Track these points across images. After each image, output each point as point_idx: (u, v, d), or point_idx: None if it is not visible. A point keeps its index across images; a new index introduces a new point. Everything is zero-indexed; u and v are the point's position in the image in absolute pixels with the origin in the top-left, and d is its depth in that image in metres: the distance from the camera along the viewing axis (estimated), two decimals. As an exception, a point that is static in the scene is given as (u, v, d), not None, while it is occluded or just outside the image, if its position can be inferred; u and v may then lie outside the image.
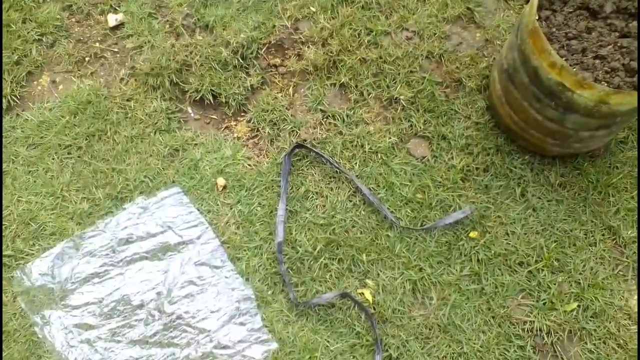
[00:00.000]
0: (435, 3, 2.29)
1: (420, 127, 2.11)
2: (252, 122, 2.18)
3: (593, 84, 1.59)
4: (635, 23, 1.81)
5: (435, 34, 2.24)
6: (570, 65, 1.74)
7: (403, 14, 2.27)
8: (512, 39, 1.86)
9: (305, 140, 2.10)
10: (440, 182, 2.03)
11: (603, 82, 1.71)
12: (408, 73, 2.18)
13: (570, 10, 1.86)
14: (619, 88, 1.69)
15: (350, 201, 2.02)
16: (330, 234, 1.95)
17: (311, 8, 2.31)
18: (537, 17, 1.70)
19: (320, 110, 2.16)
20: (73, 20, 2.37)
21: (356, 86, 2.18)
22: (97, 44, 2.32)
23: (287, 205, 1.99)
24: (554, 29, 1.82)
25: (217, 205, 2.02)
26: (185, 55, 2.23)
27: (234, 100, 2.19)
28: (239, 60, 2.23)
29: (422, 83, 2.17)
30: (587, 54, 1.77)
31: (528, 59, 1.74)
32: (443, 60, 2.21)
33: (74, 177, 2.06)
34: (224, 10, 2.32)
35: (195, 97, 2.20)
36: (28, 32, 2.29)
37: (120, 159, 2.10)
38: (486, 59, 2.21)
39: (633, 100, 1.62)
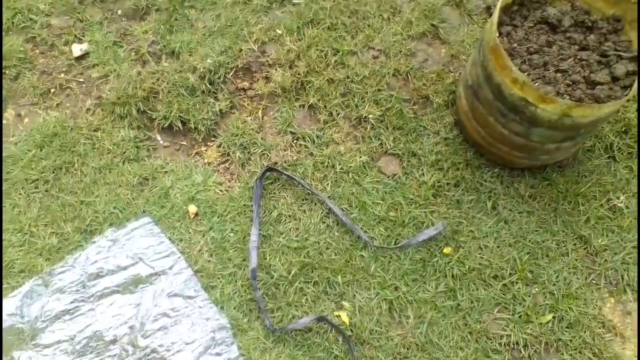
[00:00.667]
0: (400, 21, 2.31)
1: (390, 145, 2.12)
2: (222, 146, 2.17)
3: (555, 98, 1.61)
4: (593, 36, 1.84)
5: (401, 51, 2.26)
6: (533, 80, 1.76)
7: (368, 33, 2.29)
8: (475, 55, 1.88)
9: (276, 164, 2.10)
10: (412, 199, 2.03)
11: (565, 96, 1.73)
12: (376, 92, 2.19)
13: (531, 24, 1.89)
14: (580, 101, 1.71)
15: (324, 222, 2.01)
16: (304, 257, 1.93)
17: (277, 30, 2.31)
18: (497, 34, 1.72)
19: (290, 132, 2.16)
20: (37, 51, 2.34)
21: (325, 107, 2.19)
22: (62, 75, 2.29)
23: (260, 230, 1.98)
24: (515, 45, 1.84)
25: (189, 233, 2.00)
26: (152, 83, 2.21)
27: (203, 125, 2.18)
28: (206, 85, 2.22)
29: (390, 101, 2.18)
30: (548, 68, 1.79)
31: (491, 75, 1.75)
32: (410, 78, 2.23)
33: (42, 212, 2.03)
34: (190, 36, 2.32)
35: (164, 125, 2.19)
36: (-10, 66, 2.26)
37: (88, 191, 2.07)
38: (452, 74, 2.23)
39: (594, 112, 1.64)
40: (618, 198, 2.04)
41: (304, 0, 2.36)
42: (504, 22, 1.90)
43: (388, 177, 2.09)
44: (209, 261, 1.95)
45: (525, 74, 1.77)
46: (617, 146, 2.13)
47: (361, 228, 1.98)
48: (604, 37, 1.84)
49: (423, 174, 2.08)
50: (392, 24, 2.31)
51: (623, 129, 2.16)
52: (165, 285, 1.88)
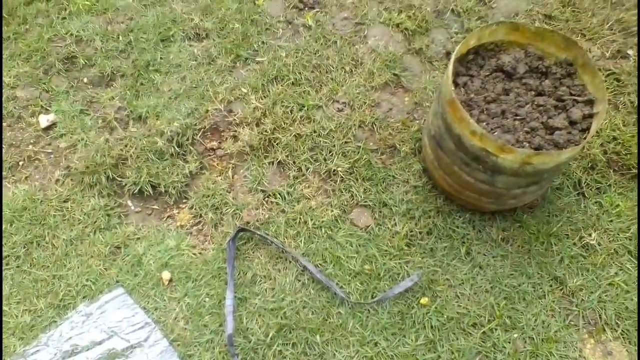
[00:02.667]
0: (362, 73, 2.34)
1: (361, 197, 2.12)
2: (194, 208, 2.17)
3: (513, 148, 1.63)
4: (548, 81, 1.88)
5: (365, 102, 2.29)
6: (492, 129, 1.78)
7: (332, 87, 2.32)
8: (435, 106, 1.91)
9: (248, 223, 2.09)
10: (386, 251, 2.03)
11: (525, 143, 1.75)
12: (343, 144, 2.21)
13: (487, 73, 1.92)
14: (539, 148, 1.74)
15: (299, 281, 2.00)
16: (281, 319, 1.91)
17: (242, 89, 2.34)
18: (453, 87, 1.75)
19: (261, 190, 2.16)
20: (4, 124, 2.34)
21: (294, 162, 2.20)
22: (30, 147, 2.29)
23: (235, 293, 1.96)
24: (472, 95, 1.87)
25: (164, 300, 1.98)
26: (120, 149, 2.22)
27: (174, 188, 2.18)
28: (175, 148, 2.23)
29: (358, 152, 2.19)
30: (506, 116, 1.82)
31: (451, 127, 1.77)
32: (375, 128, 2.25)
33: (14, 289, 2.00)
34: (156, 100, 2.33)
35: (134, 190, 2.18)
36: (-43, 143, 2.25)
37: (60, 264, 2.05)
38: (417, 121, 2.26)
39: (554, 159, 1.66)
40: (590, 235, 2.05)
41: (267, 58, 2.39)
42: (460, 72, 1.94)
43: (361, 229, 2.09)
44: (185, 329, 1.92)
45: (484, 123, 1.80)
46: (585, 182, 2.16)
47: (337, 284, 1.97)
48: (559, 81, 1.88)
49: (395, 224, 2.08)
50: (355, 76, 2.35)
51: (590, 165, 2.18)
52: (141, 358, 1.85)
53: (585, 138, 1.74)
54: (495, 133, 1.77)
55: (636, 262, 2.00)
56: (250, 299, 1.97)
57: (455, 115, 1.73)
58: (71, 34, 2.52)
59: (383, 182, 2.15)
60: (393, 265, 2.01)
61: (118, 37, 2.51)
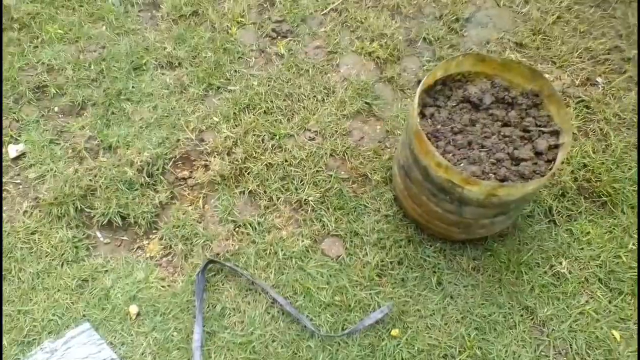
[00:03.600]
0: (334, 102, 2.35)
1: (332, 226, 2.11)
2: (164, 239, 2.14)
3: (478, 180, 1.63)
4: (514, 112, 1.89)
5: (336, 131, 2.29)
6: (458, 161, 1.78)
7: (304, 115, 2.32)
8: (404, 136, 1.91)
9: (218, 254, 2.07)
10: (357, 281, 2.01)
11: (490, 174, 1.75)
12: (314, 173, 2.20)
13: (454, 104, 1.93)
14: (505, 179, 1.74)
15: (269, 313, 1.97)
16: (250, 353, 1.88)
17: (214, 118, 2.33)
18: (419, 119, 1.75)
19: (232, 220, 2.14)
20: (-28, 155, 2.32)
21: (265, 192, 2.18)
22: (-2, 177, 2.26)
23: (204, 326, 1.93)
24: (439, 126, 1.87)
25: (131, 335, 1.94)
26: (89, 180, 2.19)
27: (144, 219, 2.15)
28: (145, 178, 2.21)
29: (329, 182, 2.18)
30: (473, 147, 1.82)
31: (417, 158, 1.77)
32: (347, 157, 2.24)
33: (-23, 325, 1.95)
34: (127, 129, 2.31)
35: (103, 222, 2.15)
36: None
37: (26, 298, 2.00)
38: (388, 150, 2.26)
39: (520, 190, 1.66)
40: (560, 264, 2.04)
41: (239, 87, 2.39)
42: (427, 103, 1.94)
43: (332, 259, 2.07)
44: (152, 365, 1.89)
45: (450, 155, 1.80)
46: (556, 209, 2.16)
47: (307, 315, 1.95)
48: (525, 112, 1.89)
49: (366, 253, 2.06)
50: (327, 105, 2.35)
51: (560, 192, 2.19)
52: (105, 396, 1.81)
53: (551, 169, 1.75)
54: (462, 164, 1.77)
55: (607, 290, 2.00)
56: (219, 332, 1.93)
57: (421, 146, 1.73)
58: (43, 63, 2.51)
59: (354, 212, 2.14)
60: (364, 296, 1.99)
61: (90, 66, 2.50)
